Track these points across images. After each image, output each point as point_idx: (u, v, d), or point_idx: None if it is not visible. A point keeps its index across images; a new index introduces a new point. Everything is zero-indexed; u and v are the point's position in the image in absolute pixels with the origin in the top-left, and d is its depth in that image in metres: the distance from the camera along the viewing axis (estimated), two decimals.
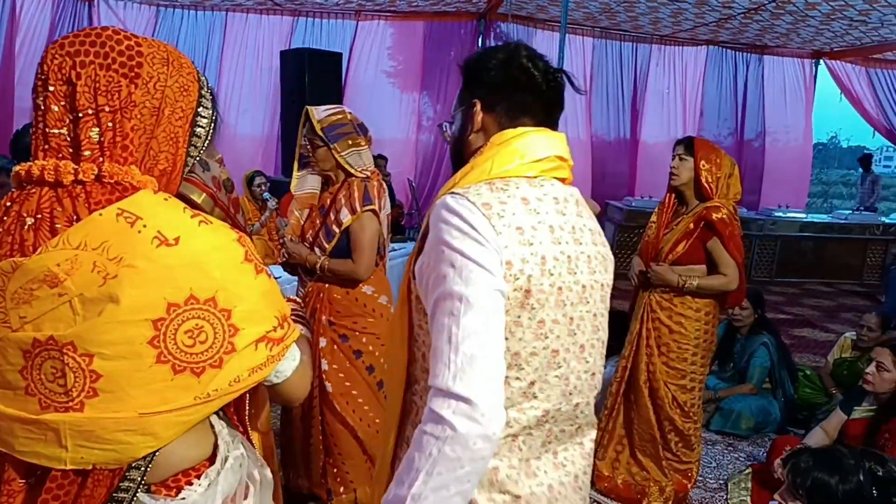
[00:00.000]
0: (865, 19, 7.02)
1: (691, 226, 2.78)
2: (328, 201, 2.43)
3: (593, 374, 1.18)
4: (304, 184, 2.54)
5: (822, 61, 9.06)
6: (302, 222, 2.53)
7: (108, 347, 0.83)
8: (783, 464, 1.83)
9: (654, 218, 3.00)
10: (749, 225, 8.47)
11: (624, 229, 8.34)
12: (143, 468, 0.91)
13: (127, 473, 0.90)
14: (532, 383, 1.09)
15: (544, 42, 8.30)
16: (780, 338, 4.14)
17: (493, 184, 1.10)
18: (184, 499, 0.94)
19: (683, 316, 2.83)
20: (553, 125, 1.21)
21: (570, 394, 1.14)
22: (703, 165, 2.77)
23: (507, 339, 1.04)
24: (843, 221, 8.81)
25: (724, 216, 2.74)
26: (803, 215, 8.93)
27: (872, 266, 8.67)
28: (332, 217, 2.38)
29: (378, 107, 7.96)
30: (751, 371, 3.97)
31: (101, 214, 0.86)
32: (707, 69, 8.97)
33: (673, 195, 2.93)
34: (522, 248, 1.05)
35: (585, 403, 1.18)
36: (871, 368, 2.82)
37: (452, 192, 1.09)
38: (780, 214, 8.64)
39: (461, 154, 1.23)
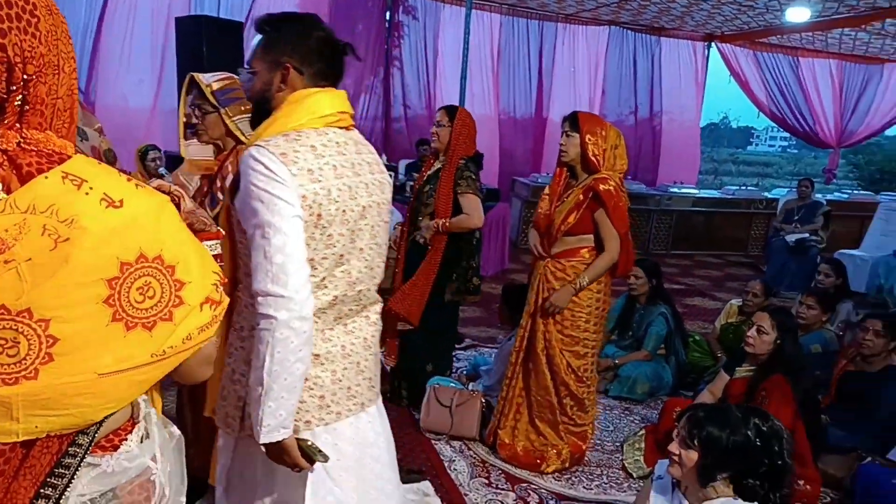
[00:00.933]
0: (753, 4, 7.45)
1: (581, 197, 2.90)
2: (215, 168, 2.35)
3: (371, 268, 1.59)
4: (202, 151, 2.43)
5: (713, 44, 9.54)
6: (192, 189, 2.42)
7: (64, 310, 0.83)
8: (678, 418, 1.95)
9: (546, 191, 3.10)
10: (647, 200, 8.90)
11: (530, 205, 8.54)
12: (91, 433, 0.92)
13: (76, 438, 0.91)
14: (323, 279, 1.48)
15: (451, 17, 8.30)
16: (675, 307, 4.39)
17: (289, 136, 1.43)
18: (125, 452, 0.98)
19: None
20: (336, 86, 1.55)
21: (354, 283, 1.55)
22: (589, 139, 2.88)
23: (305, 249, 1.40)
24: (731, 197, 9.40)
25: (612, 188, 2.86)
26: (696, 191, 9.46)
27: (756, 238, 9.32)
28: (219, 184, 2.30)
29: None
30: (647, 339, 4.19)
31: (46, 177, 0.86)
32: (609, 49, 9.25)
33: (564, 169, 3.04)
34: (313, 184, 1.41)
35: (367, 289, 1.60)
36: (752, 332, 3.04)
37: (257, 145, 1.40)
38: (675, 190, 9.11)
39: (266, 106, 1.52)
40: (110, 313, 0.86)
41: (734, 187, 10.26)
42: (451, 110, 3.45)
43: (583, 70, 9.14)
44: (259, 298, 1.35)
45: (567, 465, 3.08)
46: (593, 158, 2.88)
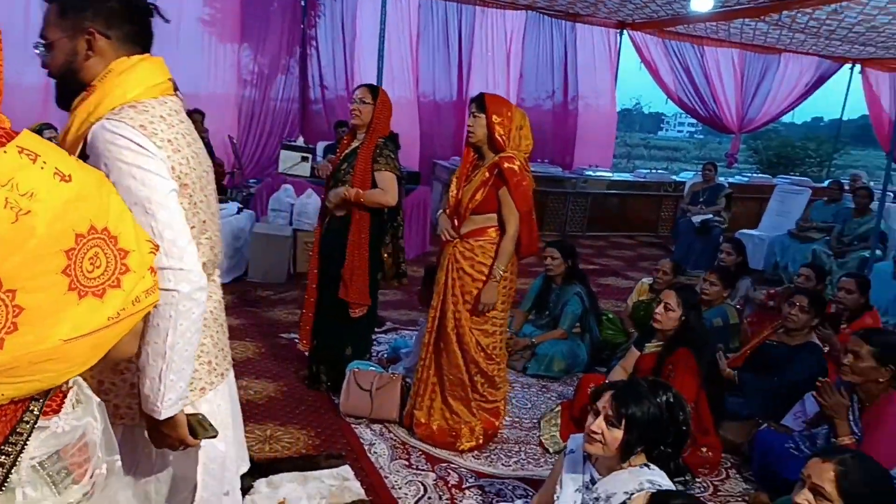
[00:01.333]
0: None
1: (486, 174, 2.97)
2: None
3: (219, 230, 1.65)
4: None
5: (625, 31, 9.82)
6: None
7: (30, 281, 0.88)
8: (593, 397, 1.99)
9: (456, 174, 3.15)
10: (563, 183, 9.12)
11: None
12: (42, 399, 0.99)
13: (29, 405, 0.97)
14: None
15: None
16: (589, 287, 4.53)
17: (135, 107, 1.36)
18: (67, 414, 1.04)
19: (485, 265, 3.02)
20: (149, 51, 1.48)
21: (214, 247, 1.59)
22: (496, 120, 2.93)
23: None
24: (642, 180, 9.76)
25: (516, 167, 2.94)
26: (610, 174, 9.76)
27: (666, 219, 9.73)
28: None
29: (194, 59, 7.39)
30: (563, 318, 4.31)
31: (5, 152, 0.89)
32: (526, 33, 9.35)
33: (471, 150, 3.10)
34: (175, 154, 1.39)
35: (221, 251, 1.66)
36: (660, 309, 3.18)
37: (109, 119, 1.33)
38: (591, 174, 9.37)
39: (74, 78, 1.41)
40: (67, 283, 0.91)
41: (645, 171, 10.66)
42: (372, 88, 3.42)
43: (501, 54, 9.20)
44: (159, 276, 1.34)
45: (481, 441, 3.14)
46: (499, 139, 2.94)
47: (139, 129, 1.33)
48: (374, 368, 3.40)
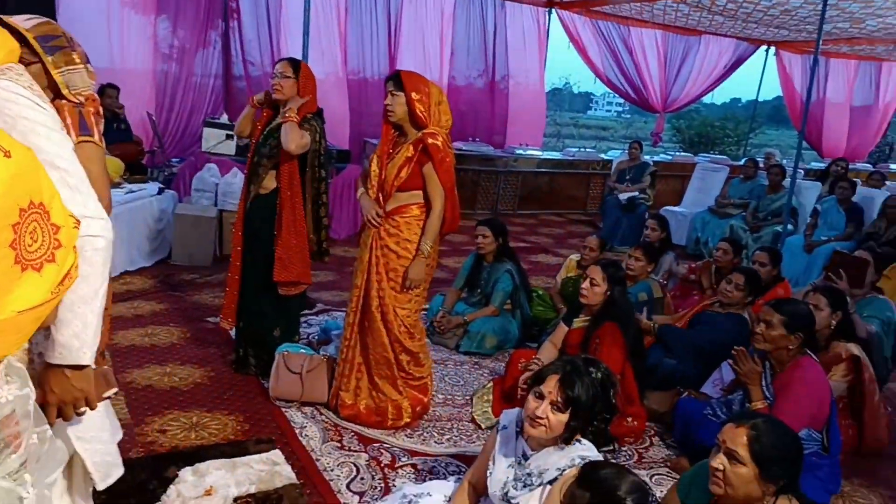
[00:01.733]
0: None
1: (411, 151, 2.95)
2: None
3: None
4: None
5: (553, 10, 9.90)
6: None
7: None
8: (535, 380, 2.00)
9: (376, 152, 3.09)
10: (495, 162, 9.18)
11: None
12: None
13: None
14: None
15: None
16: (520, 264, 4.58)
17: (12, 69, 1.35)
18: (2, 385, 1.08)
19: (410, 241, 3.00)
20: None
21: None
22: (415, 97, 2.91)
23: None
24: (571, 158, 9.94)
25: (440, 143, 2.94)
26: (540, 153, 9.88)
27: (594, 197, 9.96)
28: None
29: (106, 31, 6.98)
30: (494, 295, 4.35)
31: None
32: (457, 10, 9.29)
33: (391, 128, 3.06)
34: (52, 111, 1.38)
35: None
36: (586, 284, 3.25)
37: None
38: (521, 152, 9.46)
39: None
40: (13, 256, 0.94)
41: (575, 150, 10.85)
42: (293, 62, 3.32)
43: (432, 31, 9.12)
44: (82, 225, 1.32)
45: (411, 418, 3.15)
46: (421, 115, 2.93)
47: (29, 89, 1.33)
48: (304, 351, 3.34)
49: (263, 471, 2.62)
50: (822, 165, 10.44)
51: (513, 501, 1.93)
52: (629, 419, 3.23)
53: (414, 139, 2.95)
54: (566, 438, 1.91)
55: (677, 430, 3.18)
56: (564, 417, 1.88)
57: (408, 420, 3.14)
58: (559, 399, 1.88)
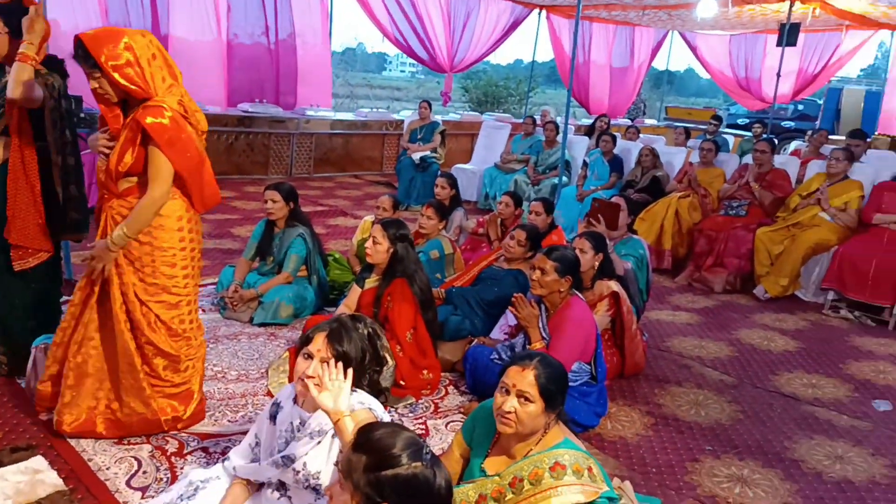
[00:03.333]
0: None
1: (129, 132, 2.42)
2: None
3: None
4: None
5: None
6: None
7: None
8: (302, 341, 1.96)
9: (107, 135, 2.55)
10: (286, 124, 8.85)
11: None
12: None
13: None
14: None
15: None
16: (312, 228, 4.46)
17: None
18: None
19: (152, 227, 2.51)
20: None
21: None
22: (113, 66, 2.31)
23: None
24: (364, 119, 9.89)
25: (165, 120, 2.38)
26: (332, 114, 9.70)
27: (389, 157, 10.05)
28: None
29: None
30: (287, 261, 4.21)
31: None
32: None
33: (109, 106, 2.49)
34: None
35: None
36: (369, 243, 3.28)
37: None
38: (312, 113, 9.21)
39: None
40: None
41: (367, 110, 10.80)
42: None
43: None
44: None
45: (165, 426, 2.70)
46: (132, 86, 2.36)
47: None
48: None
49: (21, 482, 2.30)
50: (590, 121, 11.48)
51: (291, 455, 1.90)
52: (425, 372, 3.33)
53: (129, 119, 2.41)
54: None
55: (468, 377, 3.35)
56: (342, 379, 1.85)
57: (171, 427, 2.72)
58: (329, 356, 1.88)
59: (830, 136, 9.47)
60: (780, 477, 2.83)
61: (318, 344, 1.91)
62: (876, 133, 10.95)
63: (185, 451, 2.65)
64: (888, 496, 2.73)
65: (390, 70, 54.62)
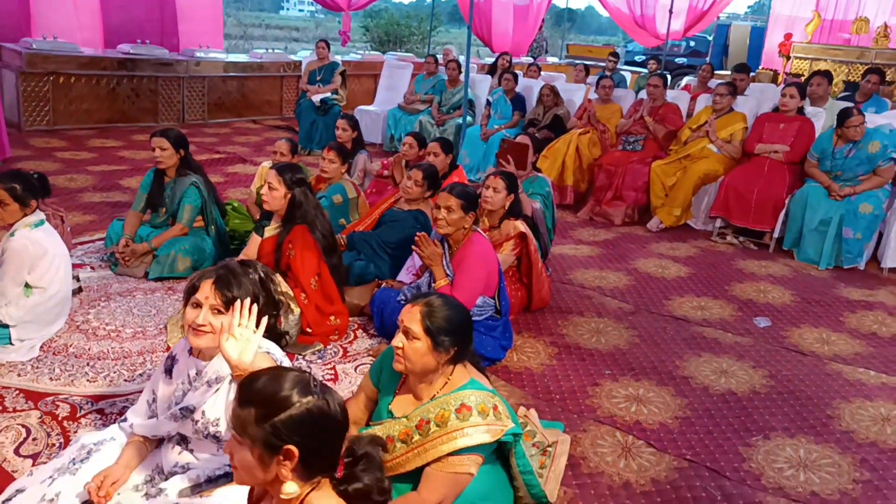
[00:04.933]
0: None
1: None
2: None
3: None
4: None
5: None
6: None
7: None
8: (188, 290, 1.88)
9: None
10: (174, 67, 8.29)
11: (29, 77, 7.14)
12: None
13: None
14: None
15: None
16: (206, 176, 4.24)
17: None
18: None
19: None
20: None
21: None
22: None
23: None
24: (259, 61, 9.40)
25: None
26: (224, 56, 9.15)
27: (289, 100, 9.65)
28: None
29: None
30: (181, 212, 4.00)
31: None
32: None
33: None
34: None
35: None
36: (265, 189, 3.16)
37: None
38: (202, 55, 8.65)
39: None
40: None
41: (262, 51, 10.27)
42: None
43: None
44: None
45: None
46: None
47: None
48: None
49: None
50: (492, 60, 11.42)
51: (189, 405, 1.85)
52: (332, 318, 3.30)
53: None
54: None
55: (376, 320, 3.35)
56: (225, 317, 1.81)
57: None
58: (218, 301, 1.83)
59: (718, 72, 9.89)
60: (671, 393, 3.03)
61: (206, 291, 1.85)
62: (760, 67, 11.53)
63: (79, 415, 2.52)
64: (766, 404, 2.98)
65: (288, 10, 52.05)
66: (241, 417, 1.28)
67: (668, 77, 7.57)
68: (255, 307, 1.77)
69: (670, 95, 6.47)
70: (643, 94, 6.48)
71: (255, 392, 1.29)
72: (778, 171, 5.28)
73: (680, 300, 4.15)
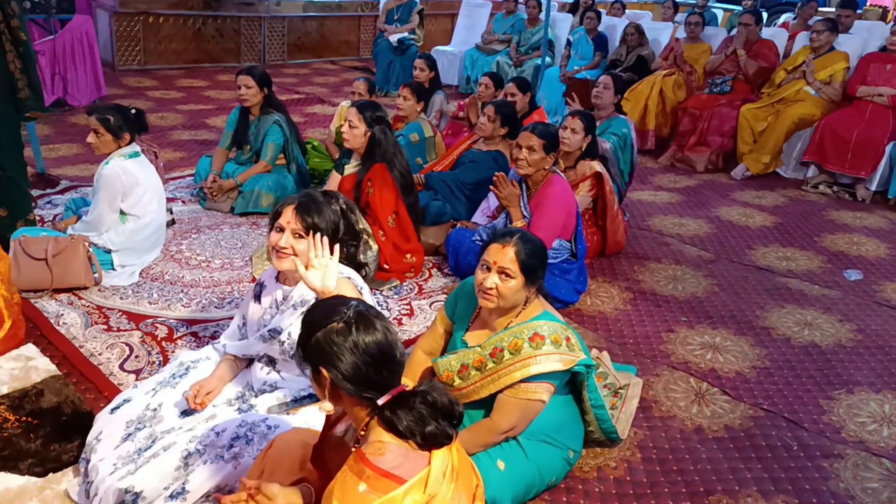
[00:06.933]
0: None
1: None
2: None
3: None
4: None
5: None
6: None
7: None
8: (272, 217, 1.98)
9: None
10: (256, 7, 8.40)
11: (122, 17, 7.40)
12: None
13: None
14: None
15: None
16: (288, 115, 4.34)
17: None
18: None
19: None
20: None
21: None
22: None
23: None
24: (338, 0, 9.39)
25: None
26: None
27: (366, 41, 9.64)
28: None
29: None
30: (264, 150, 4.12)
31: None
32: None
33: None
34: None
35: None
36: (345, 127, 3.20)
37: None
38: None
39: None
40: None
41: None
42: None
43: None
44: None
45: None
46: None
47: None
48: (46, 233, 2.95)
49: (16, 368, 2.36)
50: None
51: (277, 327, 1.96)
52: (408, 255, 3.37)
53: None
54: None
55: (451, 260, 3.39)
56: (305, 243, 1.88)
57: None
58: (299, 227, 1.90)
59: (821, 8, 9.16)
60: (750, 343, 2.96)
61: (288, 216, 1.93)
62: (868, 4, 10.61)
63: (175, 336, 2.71)
64: (852, 357, 2.88)
65: None
66: (300, 341, 1.38)
67: (765, 14, 7.08)
68: (325, 239, 1.82)
69: (766, 33, 6.07)
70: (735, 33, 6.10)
71: (305, 318, 1.37)
72: (881, 115, 4.92)
73: (764, 250, 4.00)
